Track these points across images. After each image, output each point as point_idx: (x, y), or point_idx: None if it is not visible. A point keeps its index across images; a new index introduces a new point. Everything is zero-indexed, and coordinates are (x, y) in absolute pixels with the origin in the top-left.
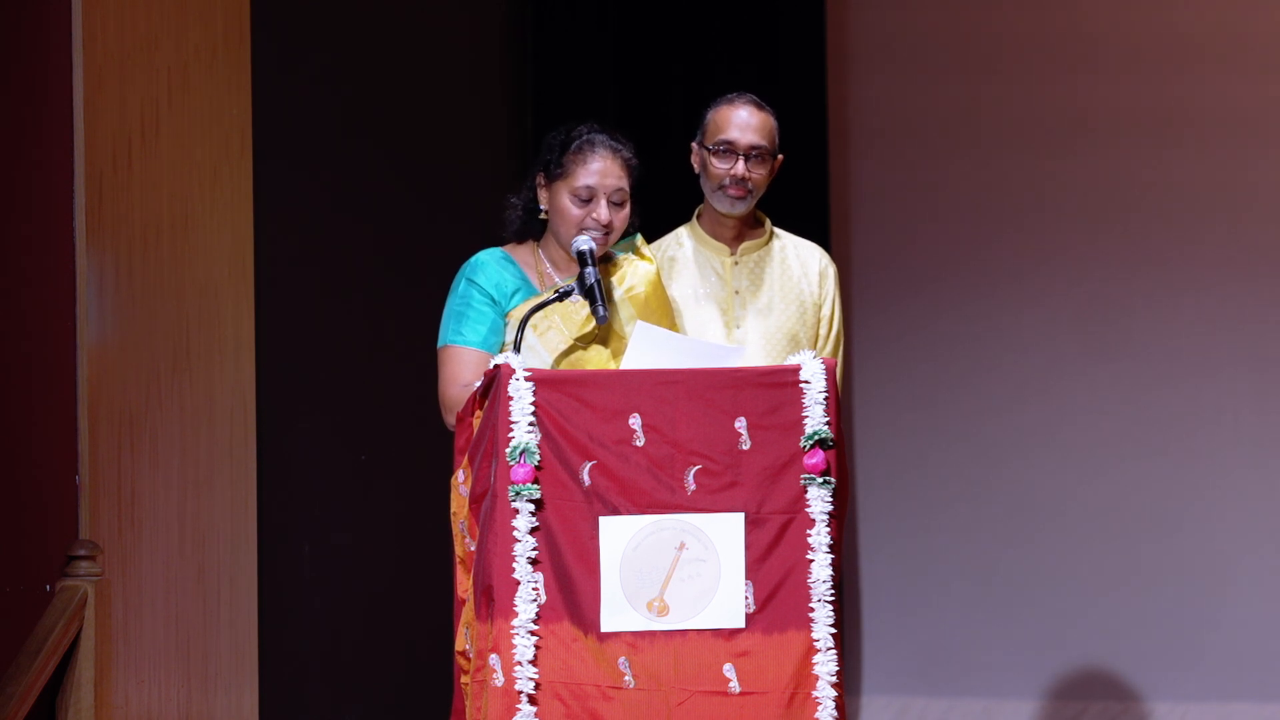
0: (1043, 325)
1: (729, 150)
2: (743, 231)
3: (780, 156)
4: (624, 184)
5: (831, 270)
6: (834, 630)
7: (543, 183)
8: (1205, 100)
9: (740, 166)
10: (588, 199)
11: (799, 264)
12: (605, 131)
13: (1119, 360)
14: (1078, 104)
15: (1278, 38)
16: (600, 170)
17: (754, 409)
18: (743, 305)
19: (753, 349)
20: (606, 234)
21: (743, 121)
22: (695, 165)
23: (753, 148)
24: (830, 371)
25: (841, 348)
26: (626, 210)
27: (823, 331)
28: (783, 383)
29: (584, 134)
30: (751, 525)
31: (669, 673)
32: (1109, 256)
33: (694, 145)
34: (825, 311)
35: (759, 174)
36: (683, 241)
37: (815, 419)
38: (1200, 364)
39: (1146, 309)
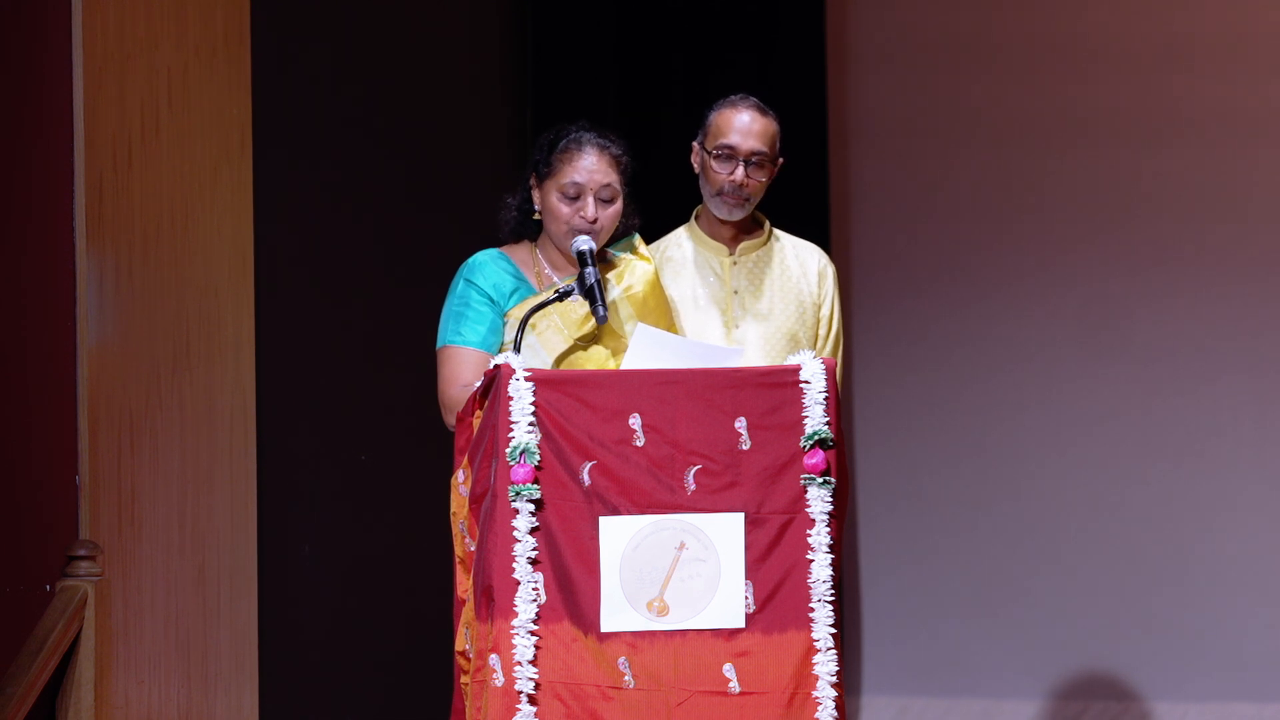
0: (1044, 327)
1: (729, 155)
2: (741, 232)
3: (781, 160)
4: (611, 180)
5: (830, 270)
6: (834, 630)
7: (534, 183)
8: (1205, 102)
9: (739, 172)
10: (575, 196)
11: (798, 264)
12: (594, 129)
13: (1119, 362)
14: (1078, 106)
15: (1278, 38)
16: (587, 167)
17: (754, 409)
18: (742, 306)
19: (752, 349)
20: (596, 231)
21: (744, 126)
22: (695, 165)
23: (753, 154)
24: (830, 371)
25: (840, 348)
26: (616, 207)
27: (822, 332)
28: (783, 383)
29: (572, 133)
30: (751, 525)
31: (669, 673)
32: (1110, 258)
33: (695, 145)
34: (824, 312)
35: (758, 180)
36: (681, 242)
37: (815, 419)
38: (1200, 366)
39: (1148, 311)
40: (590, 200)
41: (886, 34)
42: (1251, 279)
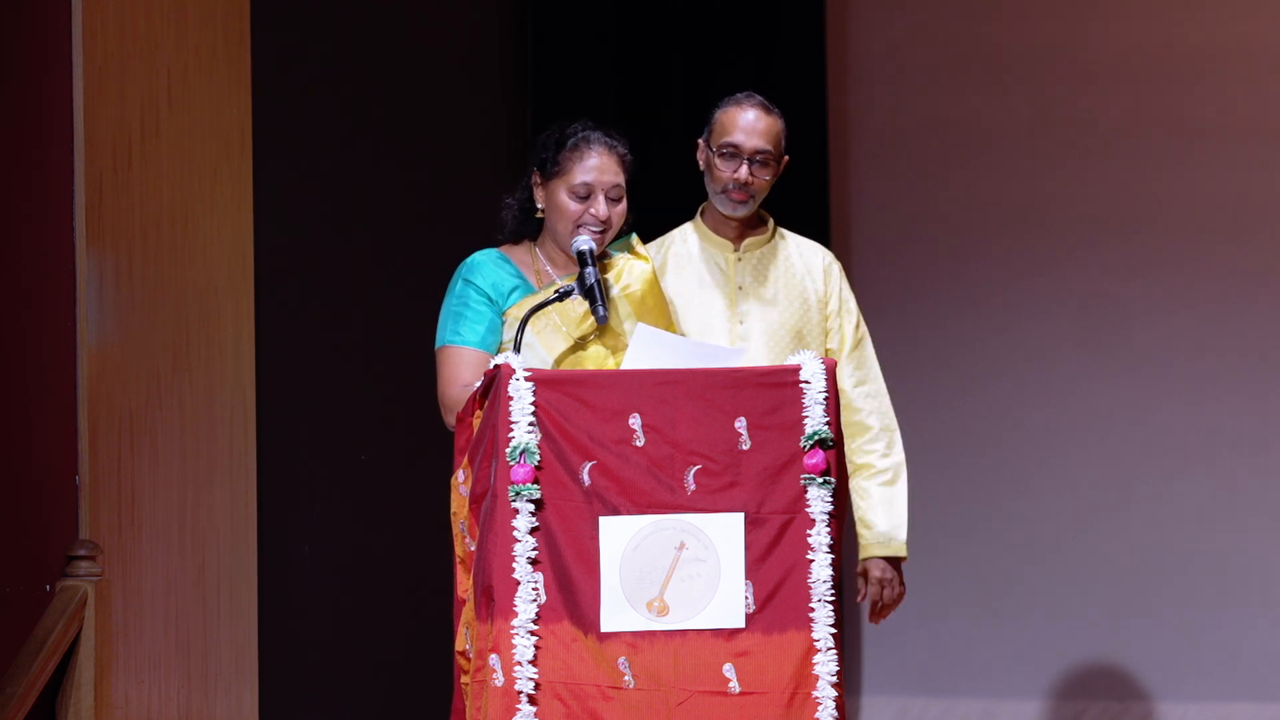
0: (1044, 329)
1: (733, 153)
2: (746, 229)
3: (786, 158)
4: (620, 180)
5: (836, 267)
6: (834, 630)
7: (539, 181)
8: (1208, 112)
9: (744, 171)
10: (585, 196)
11: (802, 261)
12: (600, 128)
13: (1119, 363)
14: (1079, 114)
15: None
16: (597, 166)
17: (754, 409)
18: (746, 301)
19: (756, 345)
20: (604, 230)
21: (749, 125)
22: (700, 163)
23: (757, 152)
24: (830, 371)
25: (868, 340)
26: (622, 206)
27: (837, 325)
28: (783, 383)
29: (579, 131)
30: (751, 525)
31: (669, 673)
32: (1111, 261)
33: (700, 142)
34: (833, 306)
35: (762, 178)
36: (687, 238)
37: (815, 419)
38: (1200, 368)
39: (1148, 313)
40: (602, 199)
41: (887, 35)
42: (1251, 281)
